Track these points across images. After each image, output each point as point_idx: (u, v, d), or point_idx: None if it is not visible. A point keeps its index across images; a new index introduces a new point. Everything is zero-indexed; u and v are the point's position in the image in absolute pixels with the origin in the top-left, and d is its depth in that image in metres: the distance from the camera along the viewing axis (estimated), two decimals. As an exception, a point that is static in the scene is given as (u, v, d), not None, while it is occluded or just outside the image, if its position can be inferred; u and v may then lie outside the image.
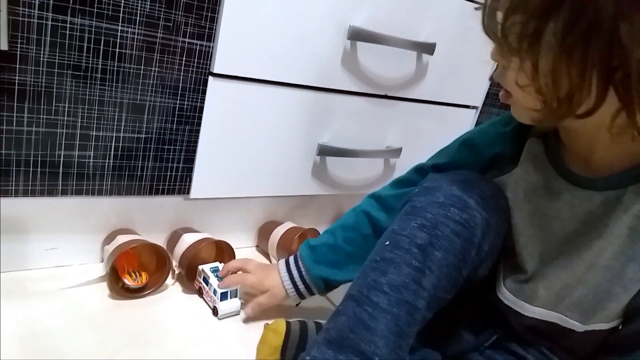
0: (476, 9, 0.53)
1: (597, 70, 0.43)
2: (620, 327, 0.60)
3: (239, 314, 0.79)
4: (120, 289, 0.76)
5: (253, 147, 0.86)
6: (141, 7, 0.67)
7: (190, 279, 0.82)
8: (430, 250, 0.54)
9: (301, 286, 0.75)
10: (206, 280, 0.79)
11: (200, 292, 0.81)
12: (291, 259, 0.76)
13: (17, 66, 0.62)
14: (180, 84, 0.75)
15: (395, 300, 0.52)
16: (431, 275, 0.54)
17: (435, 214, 0.55)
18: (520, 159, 0.63)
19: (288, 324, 0.70)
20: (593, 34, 0.42)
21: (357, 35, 0.85)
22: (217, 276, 0.79)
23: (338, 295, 0.72)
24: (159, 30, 0.70)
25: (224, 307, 0.77)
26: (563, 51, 0.44)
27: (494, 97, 1.12)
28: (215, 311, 0.77)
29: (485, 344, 0.65)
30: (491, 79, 0.58)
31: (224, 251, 0.87)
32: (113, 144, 0.73)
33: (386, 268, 0.54)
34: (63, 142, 0.69)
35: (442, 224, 0.55)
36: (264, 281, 0.76)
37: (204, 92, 0.77)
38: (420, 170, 0.74)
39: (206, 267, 0.80)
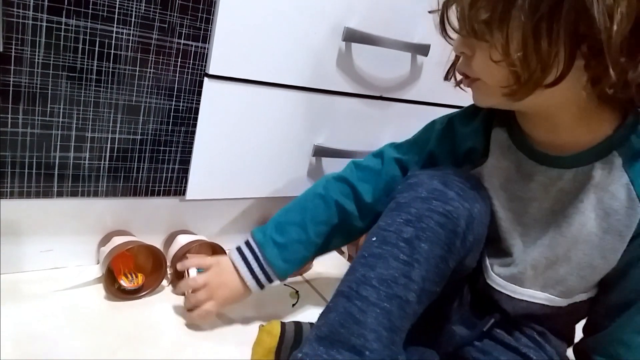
0: (430, 12, 0.59)
1: (565, 39, 0.47)
2: (597, 299, 0.64)
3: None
4: (116, 291, 0.76)
5: (249, 148, 0.86)
6: (136, 8, 0.67)
7: (180, 279, 0.81)
8: (417, 243, 0.55)
9: (266, 283, 0.73)
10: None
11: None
12: (250, 258, 0.73)
13: (12, 67, 0.63)
14: (176, 86, 0.75)
15: (385, 294, 0.53)
16: (419, 268, 0.55)
17: (419, 208, 0.57)
18: (490, 149, 0.65)
19: (283, 325, 0.70)
20: (560, 5, 0.46)
21: (352, 37, 0.86)
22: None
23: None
24: (154, 32, 0.70)
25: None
26: (532, 26, 0.47)
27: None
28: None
29: (484, 329, 0.66)
30: (446, 77, 0.66)
31: (217, 253, 0.87)
32: (108, 145, 0.73)
33: (375, 263, 0.55)
34: (58, 143, 0.69)
35: (426, 217, 0.56)
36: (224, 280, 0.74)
37: (200, 93, 0.77)
38: (389, 159, 0.75)
39: (192, 271, 0.78)
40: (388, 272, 0.54)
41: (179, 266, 0.78)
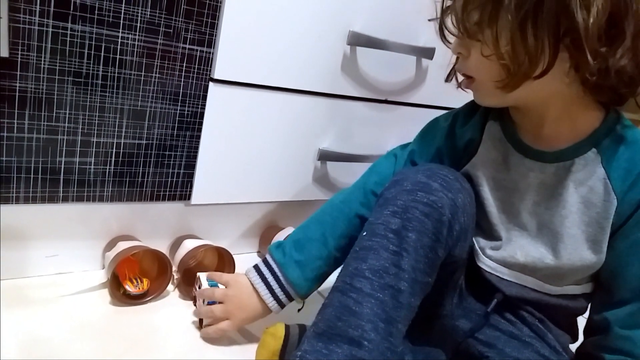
0: (430, 20, 0.65)
1: (549, 34, 0.52)
2: (595, 300, 0.66)
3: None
4: (121, 296, 0.76)
5: (254, 152, 0.86)
6: (141, 13, 0.67)
7: (188, 284, 0.81)
8: (405, 233, 0.56)
9: (286, 303, 0.73)
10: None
11: (195, 301, 0.77)
12: (270, 279, 0.72)
13: (18, 73, 0.63)
14: (181, 90, 0.75)
15: (378, 285, 0.54)
16: (408, 257, 0.56)
17: (404, 200, 0.58)
18: (482, 139, 0.69)
19: (287, 327, 0.70)
20: (542, 3, 0.51)
21: (357, 40, 0.86)
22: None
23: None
24: (160, 37, 0.70)
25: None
26: (518, 23, 0.53)
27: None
28: (201, 323, 0.74)
29: (489, 309, 0.67)
30: (447, 79, 0.70)
31: (224, 258, 0.87)
32: (114, 150, 0.73)
33: (366, 255, 0.57)
34: (64, 148, 0.69)
35: (411, 207, 0.58)
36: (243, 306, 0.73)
37: (205, 98, 0.77)
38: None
39: (203, 276, 0.77)
40: (379, 262, 0.55)
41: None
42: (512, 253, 0.65)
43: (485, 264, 0.67)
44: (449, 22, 0.62)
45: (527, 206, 0.65)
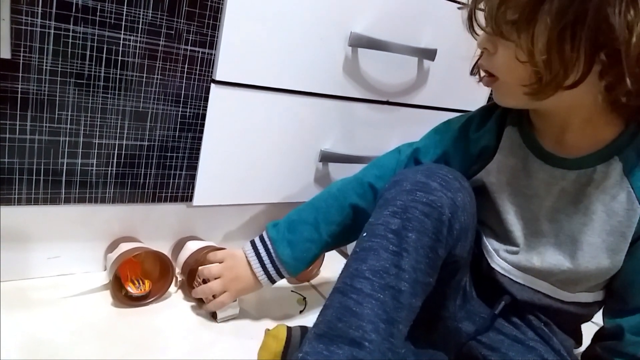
0: (459, 8, 0.62)
1: (586, 46, 0.50)
2: (608, 306, 0.66)
3: (236, 315, 0.79)
4: (123, 297, 0.76)
5: (255, 153, 0.86)
6: (143, 15, 0.67)
7: (193, 285, 0.81)
8: (404, 233, 0.56)
9: (277, 278, 0.76)
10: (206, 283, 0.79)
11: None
12: (263, 254, 0.75)
13: (20, 74, 0.63)
14: (183, 92, 0.75)
15: (378, 285, 0.54)
16: (409, 257, 0.56)
17: (404, 200, 0.58)
18: (500, 146, 0.68)
19: (289, 329, 0.70)
20: (584, 15, 0.49)
21: (358, 42, 0.86)
22: None
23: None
24: (161, 38, 0.70)
25: (222, 312, 0.77)
26: (557, 31, 0.51)
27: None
28: (214, 315, 0.77)
29: (496, 312, 0.67)
30: (472, 72, 0.68)
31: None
32: (116, 151, 0.73)
33: (366, 256, 0.57)
34: (66, 150, 0.70)
35: (411, 207, 0.58)
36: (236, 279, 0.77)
37: (206, 99, 0.77)
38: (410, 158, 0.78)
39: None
40: (379, 263, 0.55)
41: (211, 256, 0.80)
42: (528, 258, 0.65)
43: (500, 265, 0.67)
44: (479, 13, 0.60)
45: (546, 213, 0.64)
